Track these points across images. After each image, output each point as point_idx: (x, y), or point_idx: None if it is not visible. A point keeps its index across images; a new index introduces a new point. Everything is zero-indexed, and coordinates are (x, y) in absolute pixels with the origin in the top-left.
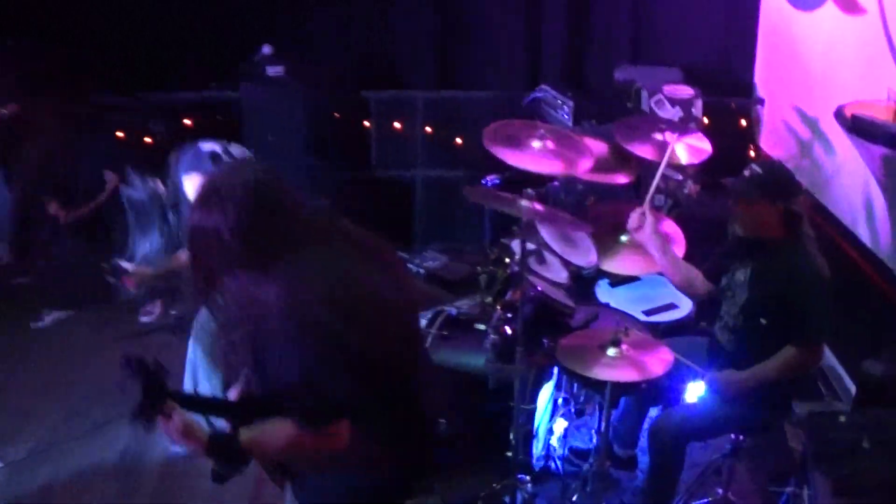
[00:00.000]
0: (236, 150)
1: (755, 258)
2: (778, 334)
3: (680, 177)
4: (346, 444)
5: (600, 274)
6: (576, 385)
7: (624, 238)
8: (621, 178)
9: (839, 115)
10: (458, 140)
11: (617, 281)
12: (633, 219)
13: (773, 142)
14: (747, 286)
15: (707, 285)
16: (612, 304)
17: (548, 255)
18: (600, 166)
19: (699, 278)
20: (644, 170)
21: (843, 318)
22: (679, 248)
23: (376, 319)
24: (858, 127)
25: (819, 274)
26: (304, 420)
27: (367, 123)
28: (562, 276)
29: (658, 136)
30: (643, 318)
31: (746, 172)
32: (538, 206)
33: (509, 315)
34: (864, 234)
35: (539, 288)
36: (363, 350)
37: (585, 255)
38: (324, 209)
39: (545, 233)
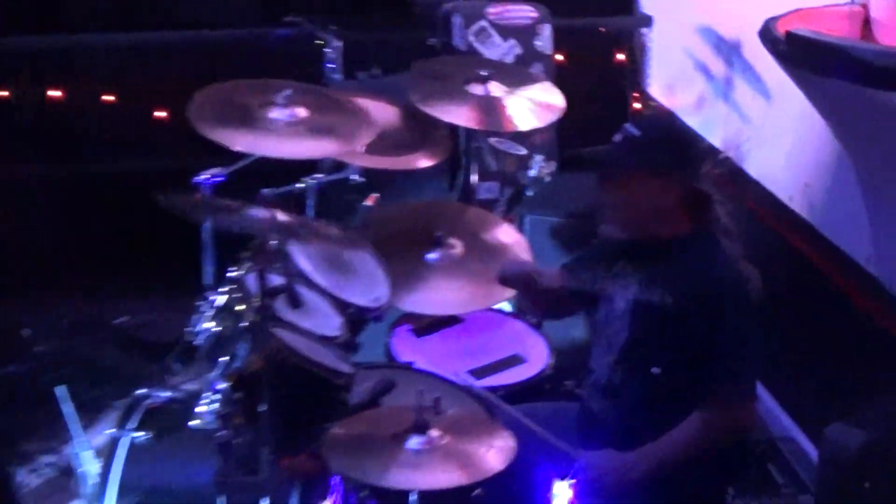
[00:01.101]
0: None
1: (640, 273)
2: (679, 391)
3: (522, 150)
4: None
5: (397, 317)
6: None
7: (433, 257)
8: (422, 161)
9: (766, 34)
10: (161, 113)
11: (424, 327)
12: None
13: (667, 84)
14: (629, 318)
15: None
16: (419, 364)
17: (308, 294)
18: (389, 143)
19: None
20: (463, 143)
21: (794, 354)
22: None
23: None
24: (797, 51)
25: (741, 288)
26: None
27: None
28: (332, 325)
29: (478, 90)
30: (471, 381)
31: (618, 136)
32: (283, 217)
33: (248, 396)
34: (819, 217)
35: (294, 348)
36: None
37: (370, 289)
38: None
39: (302, 257)
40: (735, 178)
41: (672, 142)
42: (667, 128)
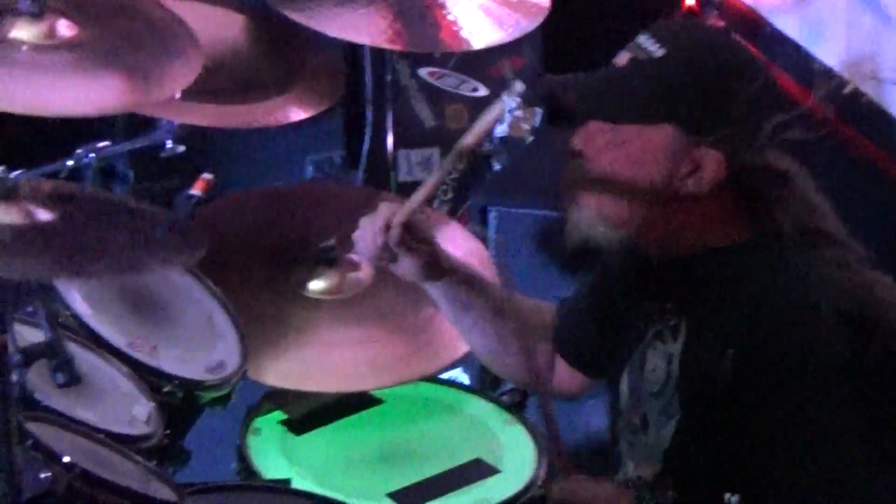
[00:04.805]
0: None
1: (687, 312)
2: None
3: (480, 90)
4: None
5: (259, 401)
6: None
7: (318, 287)
8: (292, 112)
9: None
10: None
11: (308, 416)
12: (364, 236)
13: None
14: (674, 394)
15: (575, 377)
16: (299, 485)
17: (89, 360)
18: (230, 82)
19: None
20: (369, 79)
21: None
22: None
23: None
24: None
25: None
26: None
27: None
28: (135, 415)
29: None
30: None
31: (623, 56)
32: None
33: None
34: None
35: (66, 459)
36: None
37: (204, 350)
38: None
39: (77, 294)
40: (866, 125)
41: (729, 67)
42: (716, 42)
